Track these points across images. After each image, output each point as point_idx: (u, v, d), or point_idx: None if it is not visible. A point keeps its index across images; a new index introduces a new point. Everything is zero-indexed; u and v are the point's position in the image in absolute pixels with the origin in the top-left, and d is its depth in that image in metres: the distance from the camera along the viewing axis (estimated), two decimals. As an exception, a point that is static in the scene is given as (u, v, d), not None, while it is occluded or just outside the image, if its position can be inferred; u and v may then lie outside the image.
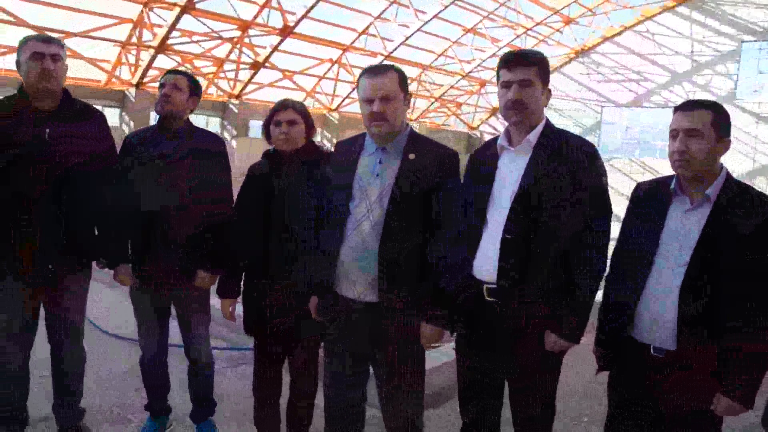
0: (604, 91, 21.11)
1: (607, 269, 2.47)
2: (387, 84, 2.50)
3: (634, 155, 19.76)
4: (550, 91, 2.52)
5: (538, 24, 19.59)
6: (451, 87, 21.48)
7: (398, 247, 2.49)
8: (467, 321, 2.57)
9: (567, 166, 2.39)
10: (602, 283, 2.46)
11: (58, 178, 2.84)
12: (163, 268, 3.06)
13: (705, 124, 2.21)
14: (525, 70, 2.42)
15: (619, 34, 20.74)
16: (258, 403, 3.15)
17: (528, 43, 20.07)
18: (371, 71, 2.55)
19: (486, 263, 2.47)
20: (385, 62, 18.03)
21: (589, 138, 19.46)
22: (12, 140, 2.78)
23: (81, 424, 3.27)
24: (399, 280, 2.49)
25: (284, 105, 2.96)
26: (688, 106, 2.28)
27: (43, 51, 2.84)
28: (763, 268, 2.11)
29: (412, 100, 21.10)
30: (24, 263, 2.85)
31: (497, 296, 2.45)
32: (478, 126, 24.13)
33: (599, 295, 2.49)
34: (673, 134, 2.27)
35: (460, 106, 23.32)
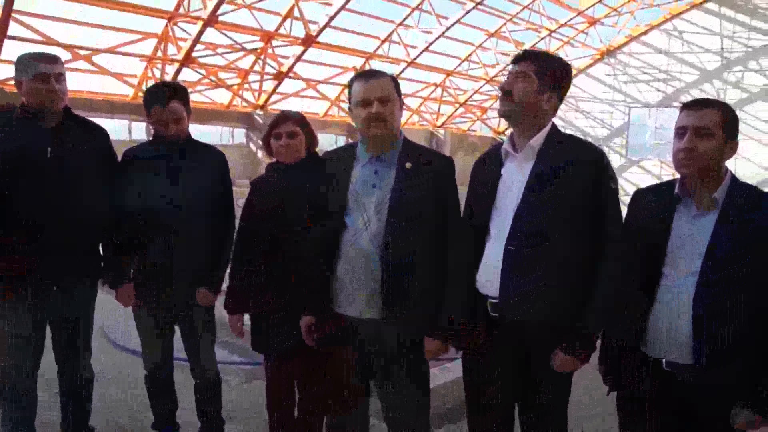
0: (631, 92, 20.74)
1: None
2: (384, 86, 2.45)
3: (664, 156, 19.35)
4: (556, 94, 2.37)
5: (562, 26, 19.36)
6: (476, 92, 21.31)
7: (399, 259, 2.42)
8: (472, 337, 2.48)
9: (572, 172, 2.29)
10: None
11: (61, 196, 2.84)
12: (164, 284, 3.03)
13: (715, 124, 2.11)
14: (522, 64, 2.34)
15: (646, 33, 20.38)
16: (272, 419, 3.11)
17: (552, 46, 19.85)
18: (366, 75, 2.51)
19: (489, 276, 2.36)
20: (409, 69, 18.03)
21: (617, 140, 19.40)
22: (15, 160, 2.78)
23: (90, 443, 3.26)
24: (401, 294, 2.42)
25: (283, 117, 2.94)
26: (698, 105, 2.17)
27: (48, 72, 2.80)
28: None
29: (437, 106, 21.11)
30: (27, 282, 2.85)
31: (500, 312, 2.35)
32: (504, 131, 23.87)
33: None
34: (680, 132, 2.16)
35: (486, 111, 23.13)
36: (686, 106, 2.19)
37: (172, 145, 3.04)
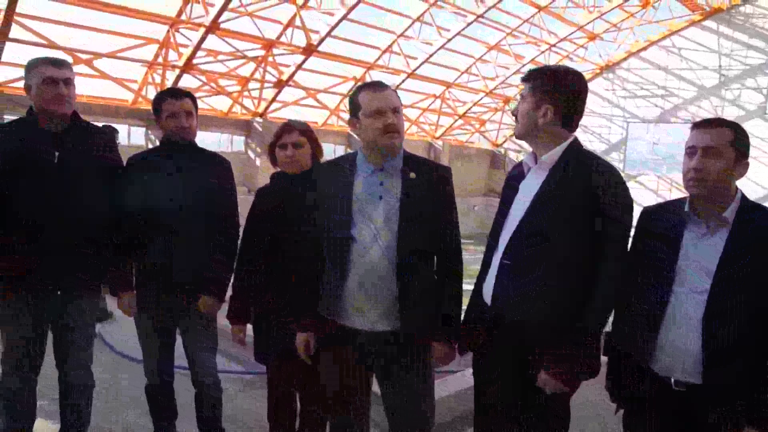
0: (629, 107, 20.88)
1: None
2: (395, 96, 2.46)
3: (661, 171, 19.45)
4: (553, 106, 2.29)
5: (562, 40, 19.50)
6: (475, 104, 21.40)
7: (415, 269, 2.42)
8: (472, 337, 2.49)
9: (581, 190, 2.28)
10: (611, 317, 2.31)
11: (66, 200, 2.83)
12: (164, 284, 3.01)
13: (725, 143, 2.10)
14: (524, 84, 2.40)
15: (645, 49, 20.55)
16: (273, 429, 3.09)
17: (552, 60, 19.97)
18: (375, 85, 2.49)
19: (488, 287, 2.40)
20: (408, 80, 18.11)
21: (615, 154, 19.50)
22: (23, 164, 2.77)
23: (87, 451, 3.22)
24: (416, 303, 2.43)
25: (289, 127, 2.92)
26: (708, 124, 2.16)
27: (56, 76, 2.79)
28: None
29: (436, 118, 21.18)
30: (30, 284, 2.83)
31: (493, 315, 2.37)
32: (502, 143, 24.00)
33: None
34: (690, 152, 2.15)
35: (484, 123, 23.23)
36: (697, 126, 2.18)
37: (180, 147, 3.03)
